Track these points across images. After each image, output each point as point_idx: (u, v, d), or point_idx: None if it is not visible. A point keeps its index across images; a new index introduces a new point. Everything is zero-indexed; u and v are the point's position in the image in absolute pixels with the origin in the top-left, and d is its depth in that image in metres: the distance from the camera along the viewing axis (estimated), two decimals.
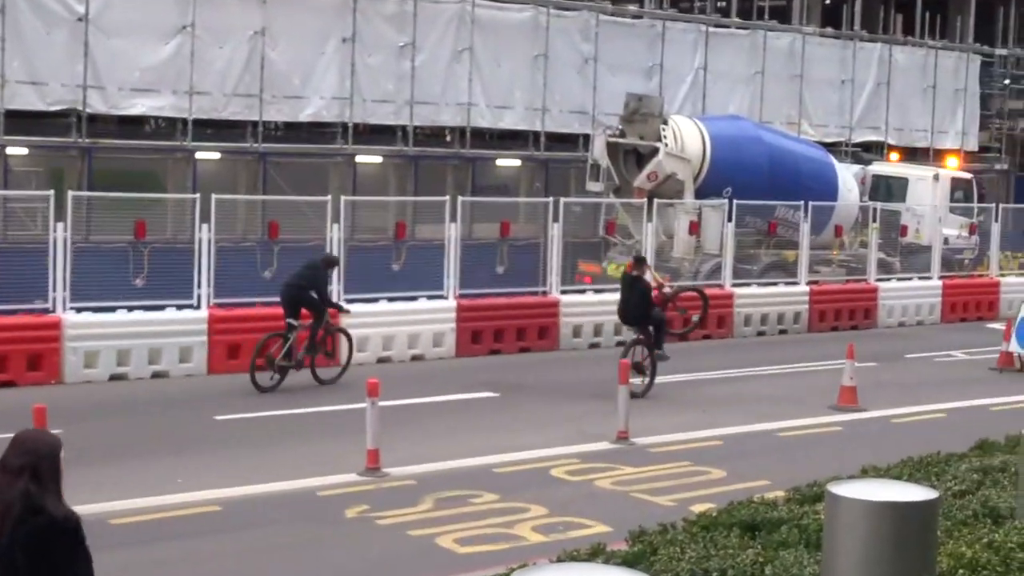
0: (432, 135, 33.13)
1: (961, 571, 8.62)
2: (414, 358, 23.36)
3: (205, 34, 28.49)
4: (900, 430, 18.58)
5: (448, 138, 33.29)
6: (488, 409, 19.51)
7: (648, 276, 21.74)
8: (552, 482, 14.90)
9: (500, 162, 34.20)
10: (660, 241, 28.19)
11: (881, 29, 42.81)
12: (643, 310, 20.90)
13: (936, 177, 35.07)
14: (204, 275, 21.58)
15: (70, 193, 21.44)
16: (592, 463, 15.81)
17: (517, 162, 34.39)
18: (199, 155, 29.06)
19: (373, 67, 30.92)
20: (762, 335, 28.33)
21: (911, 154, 41.20)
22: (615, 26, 35.02)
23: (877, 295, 30.76)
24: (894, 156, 39.18)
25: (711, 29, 37.20)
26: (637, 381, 19.99)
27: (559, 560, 9.22)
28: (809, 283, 29.67)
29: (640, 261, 21.65)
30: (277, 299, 20.84)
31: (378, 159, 31.98)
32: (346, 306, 21.93)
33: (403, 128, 31.68)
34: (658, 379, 20.83)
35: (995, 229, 33.92)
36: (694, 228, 28.98)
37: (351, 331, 21.92)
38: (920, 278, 32.21)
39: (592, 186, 29.82)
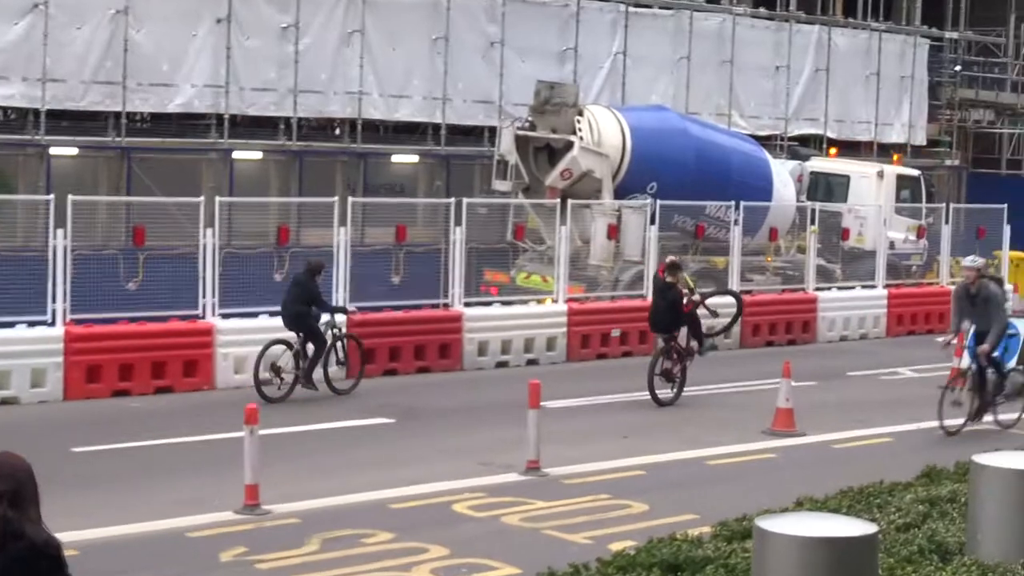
0: (319, 128, 33.09)
1: None
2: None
3: (60, 13, 28.26)
4: (841, 457, 18.76)
5: (337, 131, 33.26)
6: (383, 437, 19.48)
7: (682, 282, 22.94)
8: (454, 519, 14.90)
9: (396, 158, 34.19)
10: (575, 247, 28.29)
11: (819, 10, 43.31)
12: (673, 318, 22.18)
13: (880, 174, 35.51)
14: (59, 287, 21.36)
15: None
16: (499, 497, 15.81)
17: (415, 158, 34.39)
18: (53, 151, 28.80)
19: (252, 51, 30.81)
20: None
21: (853, 149, 41.71)
22: (524, 5, 35.16)
23: (816, 306, 31.08)
24: (834, 151, 39.58)
25: (631, 9, 37.43)
26: (666, 390, 21.70)
27: None
28: (741, 292, 29.89)
29: (675, 267, 22.80)
30: (142, 314, 20.80)
31: (258, 155, 31.85)
32: (351, 307, 23.35)
33: (286, 120, 31.60)
34: (572, 402, 20.95)
35: (946, 232, 34.32)
36: (613, 232, 29.12)
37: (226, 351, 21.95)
38: (863, 287, 32.61)
39: (499, 185, 29.88)
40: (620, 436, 19.75)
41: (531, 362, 26.02)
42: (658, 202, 28.75)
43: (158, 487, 16.12)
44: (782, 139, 40.40)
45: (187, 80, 30.04)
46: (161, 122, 30.71)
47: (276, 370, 21.29)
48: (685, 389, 22.35)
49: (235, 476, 15.10)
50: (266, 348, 21.37)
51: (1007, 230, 34.90)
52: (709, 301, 24.39)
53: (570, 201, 28.25)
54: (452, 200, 26.64)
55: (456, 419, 20.87)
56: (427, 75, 33.46)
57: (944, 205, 35.30)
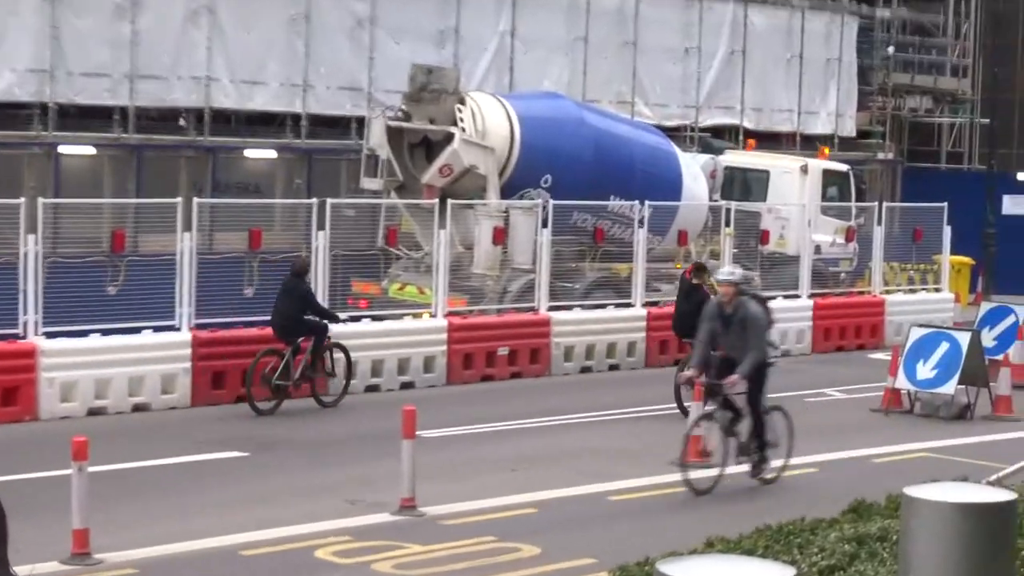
0: (160, 119, 32.82)
1: None
2: (136, 408, 23.07)
3: None
4: (759, 490, 18.90)
5: (182, 123, 33.02)
6: (234, 473, 19.35)
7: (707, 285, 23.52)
8: (317, 566, 14.84)
9: (249, 153, 34.05)
10: (456, 253, 28.28)
11: None
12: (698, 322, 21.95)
13: (804, 169, 35.85)
14: None
15: None
16: (368, 540, 15.78)
17: (272, 153, 34.29)
18: None
19: (82, 31, 30.58)
20: (587, 371, 28.60)
21: (773, 141, 42.06)
22: None
23: None
24: (752, 143, 39.87)
25: None
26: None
27: None
28: (647, 304, 30.01)
29: (701, 269, 24.06)
30: None
31: (89, 150, 31.61)
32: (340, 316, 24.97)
33: (122, 110, 31.40)
34: (453, 431, 20.97)
35: (878, 233, 34.67)
36: (499, 236, 29.12)
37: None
38: (786, 296, 32.76)
39: (369, 183, 29.84)
40: (508, 469, 19.76)
41: (406, 385, 25.97)
42: (551, 202, 28.78)
43: None
44: (692, 130, 40.66)
45: (6, 64, 29.80)
46: None
47: (265, 379, 23.07)
48: (587, 413, 22.39)
49: (62, 520, 14.91)
50: (258, 359, 23.04)
51: (947, 231, 35.32)
52: None
53: (450, 201, 28.20)
54: (315, 201, 26.56)
55: (319, 452, 20.78)
56: (285, 58, 33.38)
57: (876, 204, 35.58)
